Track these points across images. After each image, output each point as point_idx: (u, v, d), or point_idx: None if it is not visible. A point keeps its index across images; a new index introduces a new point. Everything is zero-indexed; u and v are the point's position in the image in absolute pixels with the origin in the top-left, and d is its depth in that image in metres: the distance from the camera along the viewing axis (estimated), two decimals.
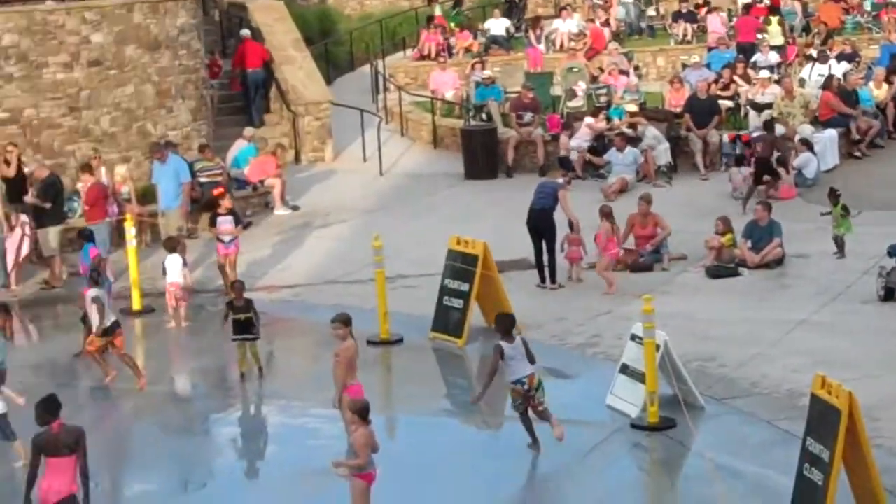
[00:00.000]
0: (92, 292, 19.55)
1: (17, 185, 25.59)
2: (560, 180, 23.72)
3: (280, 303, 22.85)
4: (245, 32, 33.61)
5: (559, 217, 23.08)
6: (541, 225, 23.00)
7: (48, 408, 13.58)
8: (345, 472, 14.07)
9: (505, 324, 16.56)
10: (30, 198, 25.18)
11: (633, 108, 31.45)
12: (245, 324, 19.67)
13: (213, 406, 19.79)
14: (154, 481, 16.95)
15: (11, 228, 24.49)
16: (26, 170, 25.79)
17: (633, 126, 30.68)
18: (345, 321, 16.16)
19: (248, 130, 30.31)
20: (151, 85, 28.29)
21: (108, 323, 19.24)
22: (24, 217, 24.79)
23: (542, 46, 38.02)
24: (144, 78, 28.16)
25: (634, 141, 29.88)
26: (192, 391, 20.78)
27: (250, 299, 20.15)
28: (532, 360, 16.29)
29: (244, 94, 32.96)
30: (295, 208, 28.95)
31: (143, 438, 18.40)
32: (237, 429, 19.11)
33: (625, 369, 17.81)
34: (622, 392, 17.73)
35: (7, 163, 25.65)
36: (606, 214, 23.07)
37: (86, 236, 22.44)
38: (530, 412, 16.48)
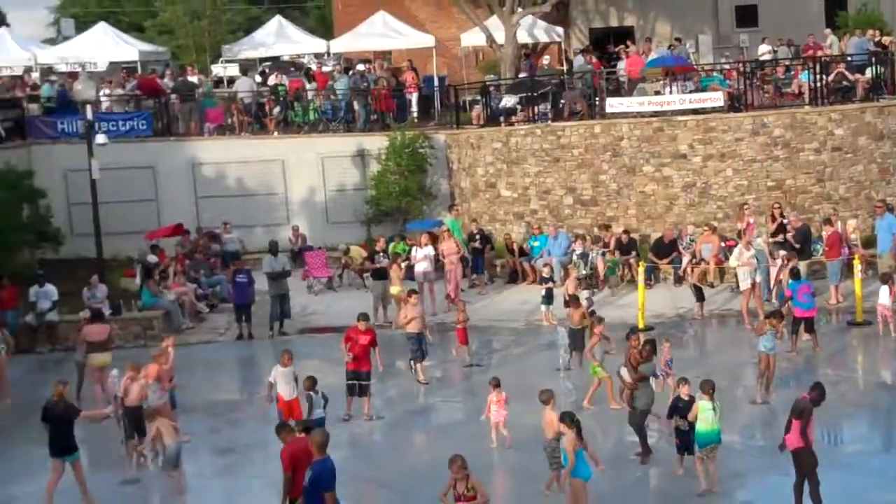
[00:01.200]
0: None
1: (777, 232, 26.22)
2: None
3: None
4: None
5: None
6: None
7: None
8: None
9: None
10: (788, 238, 25.90)
11: None
12: None
13: None
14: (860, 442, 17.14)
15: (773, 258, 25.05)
16: (785, 221, 26.46)
17: None
18: None
19: None
20: (875, 165, 28.08)
21: None
22: (783, 252, 25.32)
23: None
24: (871, 160, 28.03)
25: None
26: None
27: None
28: None
29: None
30: None
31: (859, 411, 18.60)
32: None
33: None
34: None
35: (773, 218, 26.47)
36: None
37: (794, 274, 22.53)
38: None
